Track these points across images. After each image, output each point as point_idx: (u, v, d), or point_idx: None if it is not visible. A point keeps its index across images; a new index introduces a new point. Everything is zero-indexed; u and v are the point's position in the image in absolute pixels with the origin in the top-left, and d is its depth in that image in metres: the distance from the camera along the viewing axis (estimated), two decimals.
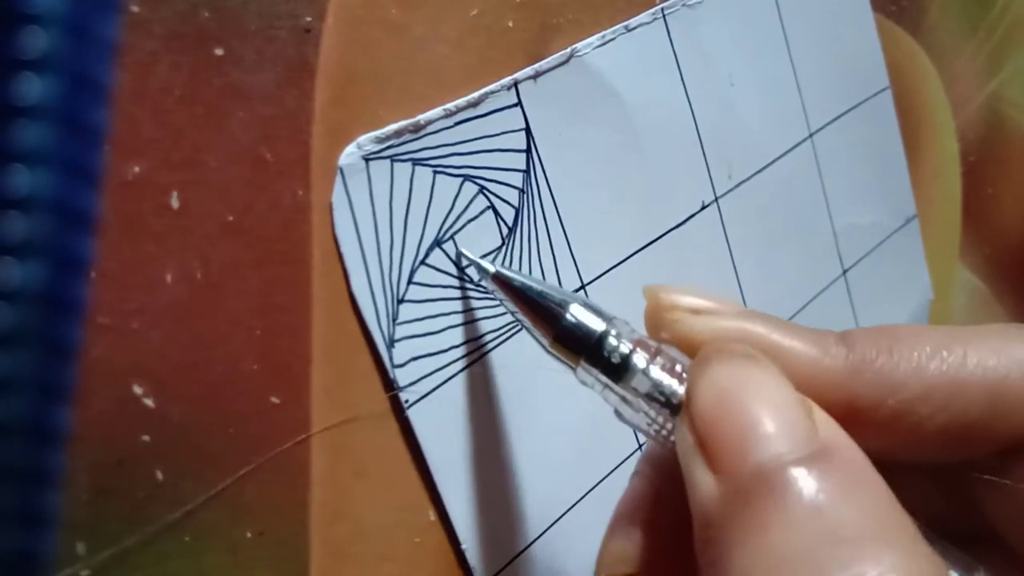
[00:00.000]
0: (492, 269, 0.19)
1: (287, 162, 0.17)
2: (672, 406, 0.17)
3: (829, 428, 0.15)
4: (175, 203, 0.16)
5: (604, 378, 0.18)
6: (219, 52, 0.17)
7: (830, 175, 0.30)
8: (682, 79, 0.25)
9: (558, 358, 0.18)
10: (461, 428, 0.20)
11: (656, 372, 0.17)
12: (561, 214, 0.22)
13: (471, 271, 0.20)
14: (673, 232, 0.25)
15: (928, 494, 0.18)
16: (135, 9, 0.16)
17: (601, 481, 0.23)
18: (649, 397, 0.17)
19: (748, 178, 0.27)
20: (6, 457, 0.14)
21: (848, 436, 0.15)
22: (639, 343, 0.18)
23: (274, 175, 0.17)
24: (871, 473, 0.15)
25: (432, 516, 0.20)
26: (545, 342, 0.18)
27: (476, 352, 0.20)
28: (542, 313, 0.18)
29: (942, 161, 0.36)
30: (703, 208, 0.25)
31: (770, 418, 0.15)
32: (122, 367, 0.16)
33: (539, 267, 0.21)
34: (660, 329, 0.18)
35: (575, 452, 0.22)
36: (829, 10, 0.30)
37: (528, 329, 0.19)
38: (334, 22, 0.18)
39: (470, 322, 0.20)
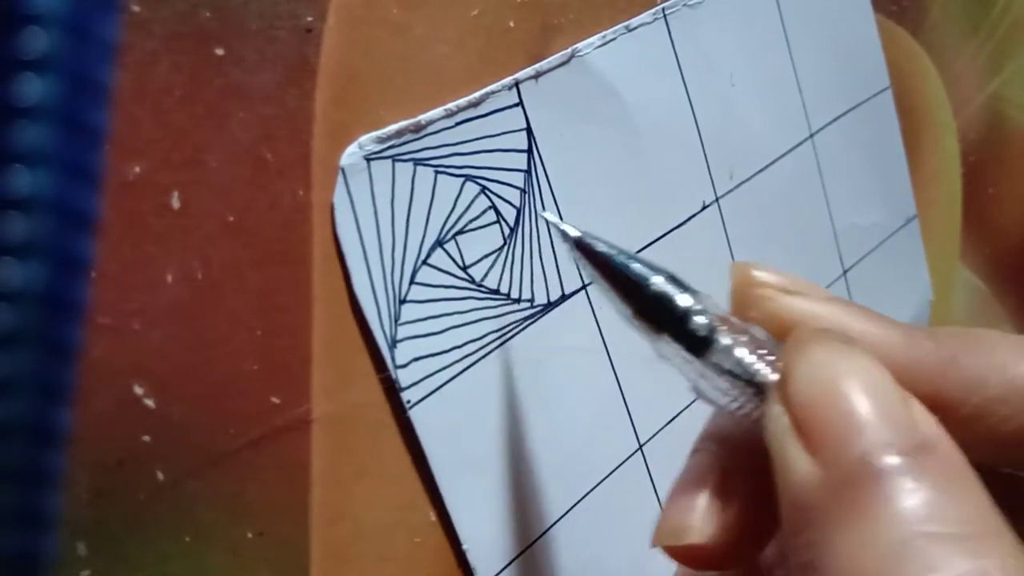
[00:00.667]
0: (575, 234, 0.18)
1: (288, 162, 0.17)
2: (756, 385, 0.16)
3: (928, 422, 0.15)
4: (176, 203, 0.16)
5: (686, 353, 0.17)
6: (220, 52, 0.17)
7: (831, 175, 0.30)
8: (683, 79, 0.25)
9: (640, 330, 0.18)
10: (463, 428, 0.20)
11: (741, 351, 0.17)
12: (562, 214, 0.22)
13: (554, 236, 0.19)
14: (674, 232, 0.25)
15: (999, 501, 0.18)
16: (135, 9, 0.16)
17: (602, 481, 0.23)
18: (732, 375, 0.17)
19: (749, 178, 0.27)
20: (6, 458, 0.14)
21: (945, 431, 0.15)
22: (724, 320, 0.17)
23: (275, 175, 0.17)
24: (970, 472, 0.15)
25: (433, 516, 0.19)
26: (628, 314, 0.18)
27: (478, 352, 0.20)
28: (625, 283, 0.18)
29: (943, 161, 0.36)
30: (704, 208, 0.25)
31: (873, 407, 0.15)
32: (122, 367, 0.16)
33: (540, 267, 0.21)
34: (748, 306, 0.18)
35: (577, 452, 0.22)
36: (830, 10, 0.30)
37: (610, 300, 0.18)
38: (335, 22, 0.18)
39: (472, 322, 0.20)
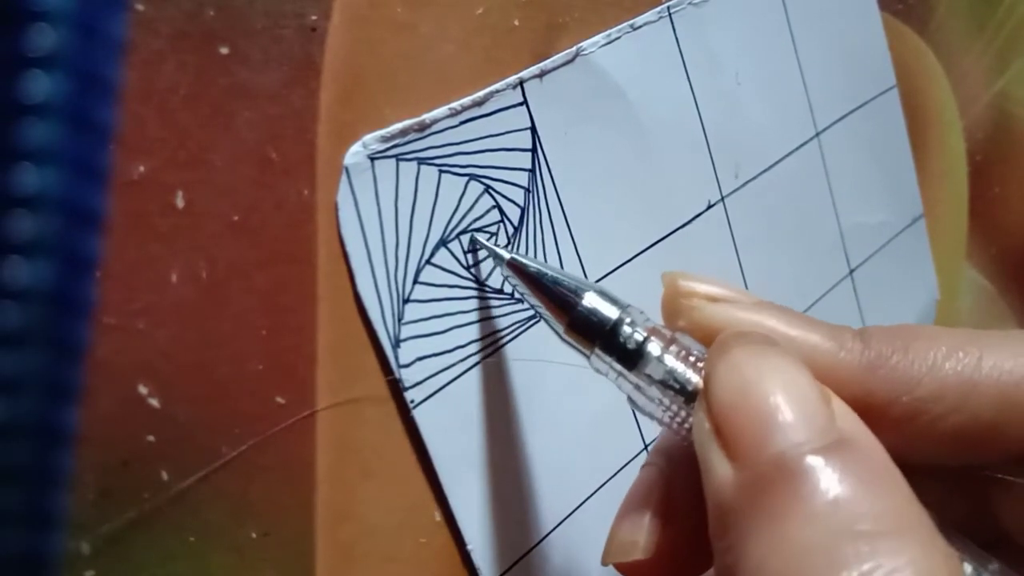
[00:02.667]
0: (507, 256, 0.19)
1: (293, 161, 0.17)
2: (687, 394, 0.17)
3: (848, 419, 0.15)
4: (180, 202, 0.16)
5: (618, 365, 0.18)
6: (225, 51, 0.17)
7: (837, 174, 0.29)
8: (688, 78, 0.25)
9: (572, 345, 0.18)
10: (467, 428, 0.20)
11: (671, 360, 0.17)
12: (567, 213, 0.22)
13: (486, 259, 0.20)
14: (679, 231, 0.24)
15: (942, 497, 0.18)
16: (141, 8, 0.16)
17: (608, 481, 0.23)
18: (664, 384, 0.17)
19: (755, 177, 0.27)
20: (12, 457, 0.14)
21: (866, 427, 0.15)
22: (653, 331, 0.17)
23: (280, 174, 0.17)
24: (889, 466, 0.15)
25: (438, 516, 0.19)
26: (560, 329, 0.18)
27: (482, 352, 0.20)
28: (557, 300, 0.18)
29: (949, 160, 0.36)
30: (709, 207, 0.25)
31: (790, 406, 0.15)
32: (127, 367, 0.16)
33: None
34: (677, 316, 0.18)
35: (581, 452, 0.22)
36: (835, 8, 0.30)
37: (543, 316, 0.19)
38: (340, 21, 0.18)
39: (476, 322, 0.20)
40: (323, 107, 0.18)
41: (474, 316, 0.20)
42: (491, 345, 0.20)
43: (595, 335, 0.18)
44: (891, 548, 0.13)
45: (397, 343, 0.18)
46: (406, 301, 0.19)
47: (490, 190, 0.20)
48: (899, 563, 0.13)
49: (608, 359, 0.18)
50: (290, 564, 0.18)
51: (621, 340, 0.17)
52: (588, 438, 0.22)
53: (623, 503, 0.19)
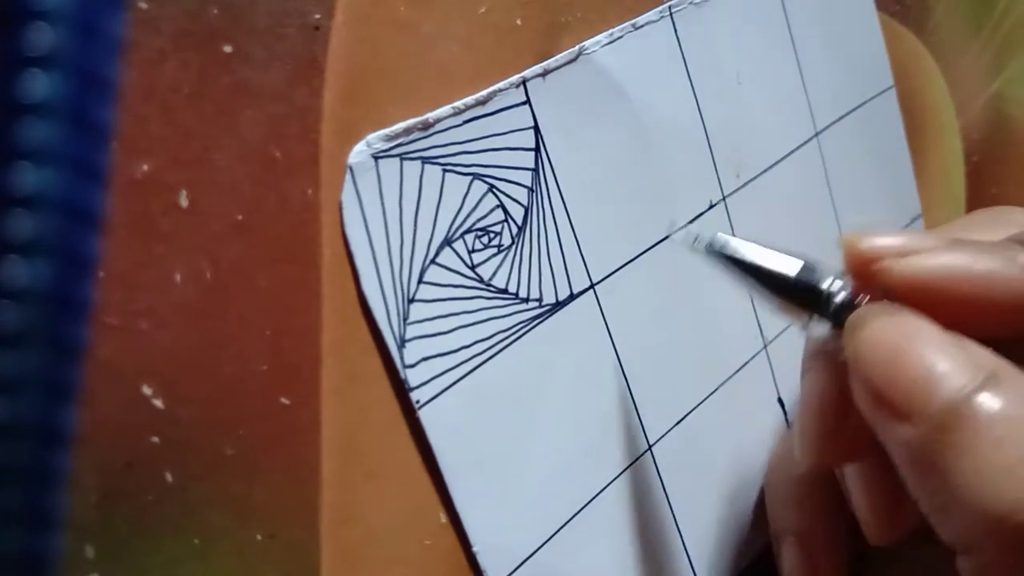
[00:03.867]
0: (707, 239, 0.21)
1: (296, 161, 0.17)
2: None
3: (986, 356, 0.17)
4: (184, 202, 0.16)
5: (832, 328, 0.19)
6: (228, 50, 0.16)
7: (836, 174, 0.30)
8: (689, 77, 0.25)
9: (789, 316, 0.20)
10: (472, 429, 0.20)
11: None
12: (570, 212, 0.22)
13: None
14: (681, 231, 0.24)
15: None
16: (143, 6, 0.15)
17: (612, 482, 0.22)
18: None
19: (755, 177, 0.27)
20: (12, 458, 0.14)
21: (1004, 358, 0.17)
22: (858, 292, 0.19)
23: (283, 174, 0.17)
24: None
25: (443, 518, 0.19)
26: (775, 304, 0.20)
27: (487, 352, 0.20)
28: (767, 279, 0.20)
29: (946, 161, 0.36)
30: (711, 207, 0.25)
31: (940, 360, 0.17)
32: (131, 368, 0.15)
33: (548, 267, 0.21)
34: (870, 279, 0.19)
35: (586, 453, 0.22)
36: (834, 8, 0.30)
37: (757, 293, 0.20)
38: (343, 20, 0.18)
39: (481, 322, 0.20)
40: (327, 106, 0.18)
41: (479, 316, 0.20)
42: (496, 345, 0.20)
43: (808, 305, 0.19)
44: None
45: (402, 343, 0.18)
46: (411, 301, 0.19)
47: (494, 189, 0.20)
48: None
49: (825, 324, 0.19)
50: (295, 566, 0.17)
51: (833, 308, 0.19)
52: (594, 438, 0.22)
53: (801, 408, 0.20)
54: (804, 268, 0.20)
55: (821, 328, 0.20)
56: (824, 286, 0.19)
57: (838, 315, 0.19)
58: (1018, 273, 0.18)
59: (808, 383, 0.20)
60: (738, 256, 0.20)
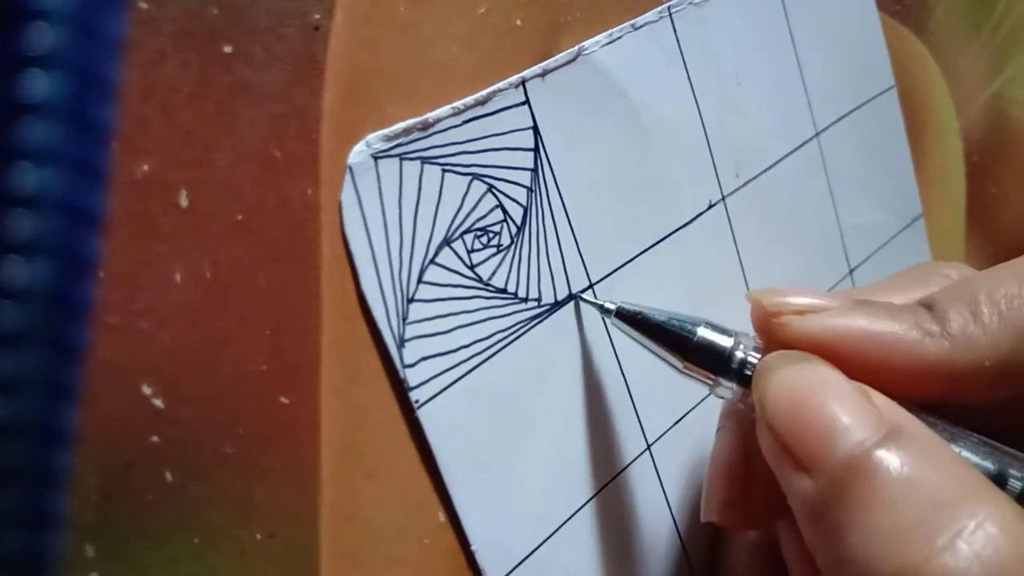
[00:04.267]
0: (614, 307, 0.21)
1: (296, 161, 0.17)
2: None
3: (891, 409, 0.17)
4: (184, 202, 0.16)
5: (739, 388, 0.19)
6: (228, 50, 0.16)
7: (836, 174, 0.30)
8: (689, 77, 0.25)
9: (694, 378, 0.20)
10: (471, 428, 0.20)
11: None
12: (569, 213, 0.22)
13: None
14: (680, 231, 0.24)
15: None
16: (143, 6, 0.15)
17: (611, 481, 0.22)
18: None
19: (755, 177, 0.27)
20: (12, 458, 0.14)
21: (906, 411, 0.17)
22: (763, 350, 0.19)
23: (283, 174, 0.17)
24: (938, 441, 0.17)
25: (442, 517, 0.19)
26: (679, 365, 0.20)
27: (486, 352, 0.20)
28: (670, 340, 0.20)
29: (947, 161, 0.36)
30: (710, 207, 0.25)
31: (842, 412, 0.16)
32: (131, 368, 0.15)
33: (547, 267, 0.21)
34: (770, 335, 0.20)
35: (585, 452, 0.22)
36: (834, 8, 0.30)
37: (660, 356, 0.20)
38: (343, 20, 0.18)
39: (480, 322, 0.20)
40: (326, 106, 0.18)
41: (478, 316, 0.20)
42: (495, 345, 0.20)
43: (712, 366, 0.20)
44: (968, 509, 0.15)
45: (402, 343, 0.18)
46: (410, 301, 0.19)
47: (493, 189, 0.20)
48: (979, 519, 0.15)
49: (730, 385, 0.19)
50: (294, 566, 0.17)
51: (736, 367, 0.19)
52: (592, 438, 0.22)
53: (710, 467, 0.21)
54: (705, 327, 0.20)
55: (727, 390, 0.20)
56: (727, 345, 0.19)
57: (741, 372, 0.19)
58: (917, 337, 0.18)
59: (716, 444, 0.21)
60: (642, 318, 0.20)
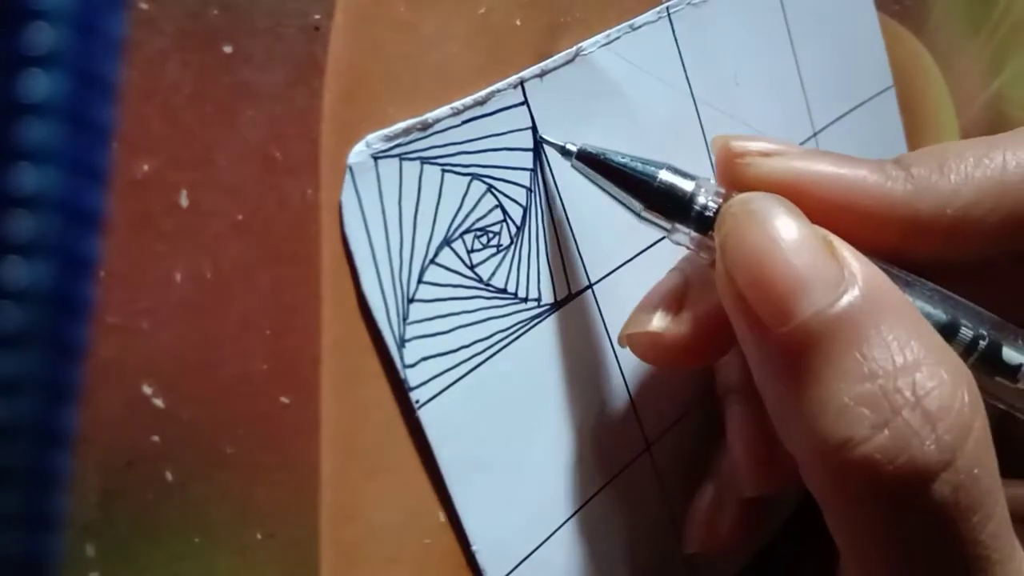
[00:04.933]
0: (575, 148, 0.20)
1: (296, 161, 0.17)
2: None
3: (852, 259, 0.16)
4: (184, 202, 0.16)
5: (696, 234, 0.19)
6: (228, 50, 0.16)
7: None
8: (687, 78, 0.25)
9: (652, 222, 0.19)
10: (472, 428, 0.20)
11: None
12: (568, 213, 0.22)
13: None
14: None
15: (988, 293, 0.20)
16: (144, 6, 0.16)
17: (611, 481, 0.22)
18: None
19: None
20: (12, 459, 0.14)
21: (869, 262, 0.16)
22: (724, 196, 0.19)
23: (283, 174, 0.17)
24: (897, 296, 0.16)
25: (443, 517, 0.19)
26: (638, 209, 0.19)
27: (486, 352, 0.20)
28: (631, 183, 0.19)
29: None
30: None
31: (804, 268, 0.16)
32: (131, 367, 0.15)
33: (547, 267, 0.21)
34: (733, 177, 0.19)
35: (585, 452, 0.22)
36: (833, 8, 0.30)
37: (619, 200, 0.20)
38: (343, 20, 0.18)
39: (480, 322, 0.20)
40: (326, 106, 0.18)
41: (478, 316, 0.20)
42: (495, 345, 0.20)
43: (672, 211, 0.19)
44: (925, 375, 0.15)
45: (402, 343, 0.18)
46: (411, 301, 0.19)
47: (492, 190, 0.20)
48: (934, 383, 0.15)
49: (687, 230, 0.19)
50: (295, 565, 0.17)
51: (696, 212, 0.19)
52: (592, 438, 0.22)
53: (648, 293, 0.21)
54: (667, 171, 0.19)
55: (680, 234, 0.19)
56: (688, 189, 0.19)
57: (701, 216, 0.18)
58: (881, 180, 0.18)
59: (667, 276, 0.21)
60: (604, 160, 0.20)
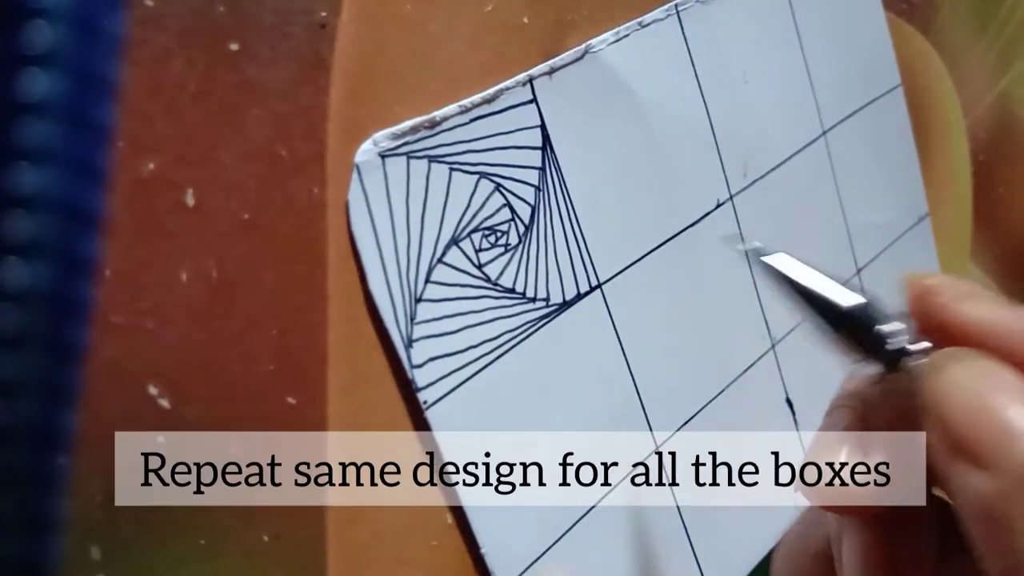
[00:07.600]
0: (772, 260, 0.20)
1: (303, 159, 0.17)
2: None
3: None
4: (190, 201, 0.16)
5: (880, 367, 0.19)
6: (234, 47, 0.16)
7: (843, 173, 0.29)
8: (696, 76, 0.25)
9: (839, 348, 0.19)
10: (480, 429, 0.19)
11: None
12: (577, 212, 0.22)
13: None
14: (689, 230, 0.24)
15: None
16: (149, 4, 0.15)
17: (620, 482, 0.22)
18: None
19: (763, 176, 0.26)
20: (10, 461, 0.14)
21: None
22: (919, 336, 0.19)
23: (289, 172, 0.17)
24: None
25: (450, 519, 0.19)
26: (828, 334, 0.19)
27: (494, 352, 0.20)
28: (823, 307, 0.19)
29: (953, 160, 0.36)
30: (718, 206, 0.25)
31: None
32: (137, 367, 0.15)
33: (556, 266, 0.21)
34: (929, 323, 0.19)
35: (593, 454, 0.22)
36: (841, 7, 0.30)
37: (811, 319, 0.19)
38: (349, 18, 0.18)
39: (488, 322, 0.20)
40: (333, 104, 0.18)
41: (486, 316, 0.20)
42: (503, 345, 0.20)
43: (861, 342, 0.19)
44: None
45: (410, 343, 0.18)
46: (418, 300, 0.18)
47: (500, 188, 0.20)
48: None
49: (876, 366, 0.19)
50: (301, 567, 0.17)
51: (890, 349, 0.18)
52: (600, 439, 0.22)
53: (817, 438, 0.20)
54: (861, 303, 0.19)
55: (871, 369, 0.19)
56: (883, 327, 0.19)
57: (894, 357, 0.18)
58: None
59: (829, 420, 0.20)
60: (796, 280, 0.19)
